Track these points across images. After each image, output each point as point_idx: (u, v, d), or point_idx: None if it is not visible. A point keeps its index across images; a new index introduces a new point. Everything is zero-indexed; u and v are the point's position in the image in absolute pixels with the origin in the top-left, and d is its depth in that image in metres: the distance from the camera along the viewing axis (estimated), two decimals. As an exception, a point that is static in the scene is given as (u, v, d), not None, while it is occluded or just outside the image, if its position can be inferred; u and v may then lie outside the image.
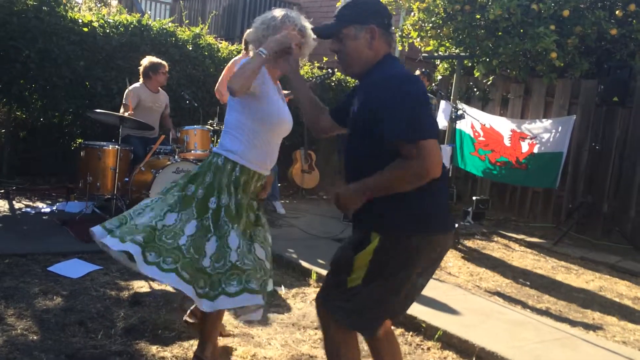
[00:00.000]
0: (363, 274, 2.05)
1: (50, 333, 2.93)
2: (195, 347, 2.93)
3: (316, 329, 3.40)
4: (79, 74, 6.26)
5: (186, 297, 2.73)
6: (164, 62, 5.75)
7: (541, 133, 7.29)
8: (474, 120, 7.64)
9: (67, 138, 6.80)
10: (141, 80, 5.69)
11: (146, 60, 5.70)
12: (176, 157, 5.08)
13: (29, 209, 5.33)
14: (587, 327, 3.97)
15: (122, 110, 5.47)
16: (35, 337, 2.86)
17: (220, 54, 7.52)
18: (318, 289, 4.05)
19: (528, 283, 4.98)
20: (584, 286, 5.12)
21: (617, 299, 4.81)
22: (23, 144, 6.52)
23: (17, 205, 5.47)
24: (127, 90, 5.62)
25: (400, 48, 9.70)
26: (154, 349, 2.87)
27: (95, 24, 6.46)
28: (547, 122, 7.34)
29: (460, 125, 7.62)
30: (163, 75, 5.71)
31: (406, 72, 2.12)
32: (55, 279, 3.68)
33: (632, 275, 5.63)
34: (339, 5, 9.62)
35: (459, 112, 6.64)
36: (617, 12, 7.26)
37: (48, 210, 5.38)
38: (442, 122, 6.59)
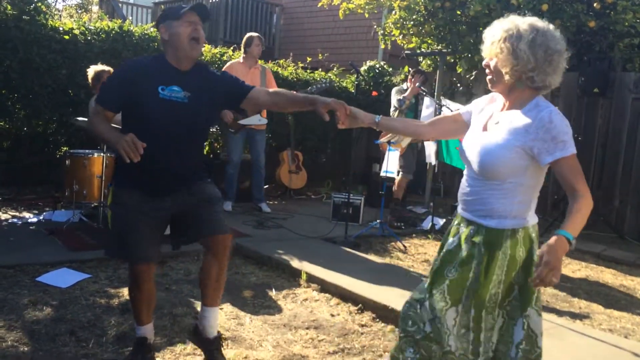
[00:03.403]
0: None
1: (41, 344, 2.93)
2: (186, 352, 2.95)
3: (307, 328, 3.43)
4: (61, 82, 6.23)
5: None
6: (106, 69, 5.43)
7: (524, 126, 7.35)
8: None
9: (51, 147, 6.76)
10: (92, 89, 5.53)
11: (91, 71, 5.41)
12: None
13: (15, 220, 5.30)
14: (574, 316, 4.04)
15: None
16: (26, 349, 2.86)
17: (203, 57, 7.51)
18: (308, 289, 4.10)
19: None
20: (571, 275, 5.20)
21: (603, 288, 4.89)
22: (7, 154, 6.47)
23: (3, 216, 5.44)
24: (90, 105, 5.48)
25: (382, 46, 9.77)
26: (145, 355, 2.88)
27: (77, 32, 6.43)
28: (530, 115, 7.42)
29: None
30: None
31: None
32: (44, 289, 3.67)
33: (617, 264, 5.73)
34: (320, 5, 9.62)
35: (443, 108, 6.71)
36: (595, 4, 7.35)
37: (35, 220, 5.35)
38: (426, 115, 6.64)
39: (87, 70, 5.55)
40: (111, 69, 5.58)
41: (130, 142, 2.30)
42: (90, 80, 5.51)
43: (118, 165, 2.71)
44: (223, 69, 6.16)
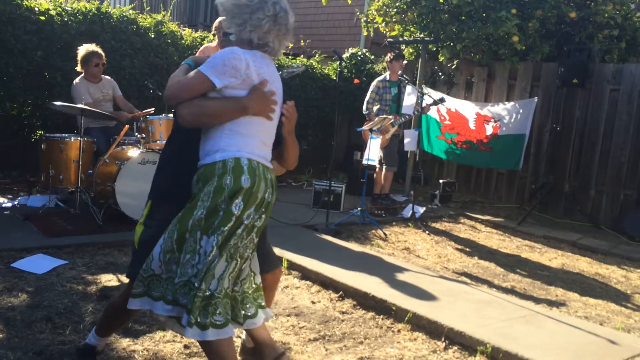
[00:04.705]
0: None
1: (16, 331, 2.87)
2: (166, 339, 2.92)
3: (288, 315, 3.42)
4: (36, 64, 6.08)
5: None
6: (97, 52, 5.40)
7: (504, 116, 7.43)
8: (440, 105, 7.74)
9: (26, 130, 6.60)
10: (79, 69, 5.44)
11: (82, 49, 5.39)
12: (141, 147, 4.99)
13: (-11, 205, 5.19)
14: (551, 303, 4.10)
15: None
16: (0, 335, 2.80)
17: (183, 41, 7.39)
18: (289, 276, 4.08)
19: (494, 263, 5.10)
20: (548, 264, 5.28)
21: (578, 276, 4.98)
22: (-20, 138, 6.31)
23: (-24, 200, 5.32)
24: (73, 89, 5.38)
25: (365, 33, 9.72)
26: (124, 342, 2.84)
27: (53, 12, 6.26)
28: (509, 105, 7.49)
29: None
30: (95, 68, 5.41)
31: None
32: (19, 275, 3.59)
33: (592, 252, 5.83)
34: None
35: (440, 97, 6.88)
36: (575, -5, 7.43)
37: (9, 205, 5.23)
38: (408, 104, 6.65)
39: (79, 47, 5.45)
40: (102, 53, 5.47)
41: (270, 95, 2.23)
42: (79, 58, 5.40)
43: (161, 175, 2.48)
44: (197, 52, 6.10)
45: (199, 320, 2.13)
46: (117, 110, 5.66)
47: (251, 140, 2.24)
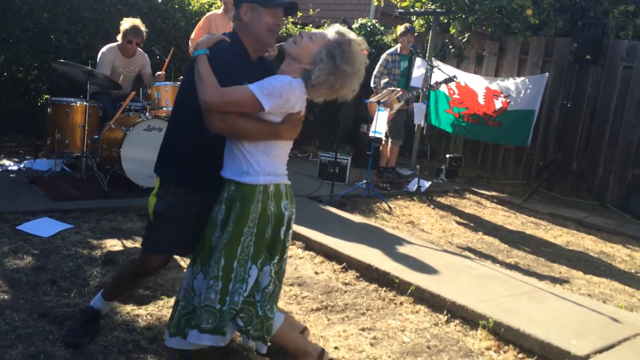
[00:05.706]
0: None
1: (21, 292, 2.89)
2: (170, 305, 2.94)
3: (291, 285, 3.44)
4: (43, 26, 6.01)
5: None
6: (136, 30, 5.27)
7: (514, 91, 7.32)
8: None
9: (33, 93, 6.57)
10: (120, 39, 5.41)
11: (126, 22, 5.33)
12: (147, 114, 4.96)
13: (-5, 167, 5.19)
14: (554, 280, 4.10)
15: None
16: (6, 297, 2.82)
17: (191, 7, 7.28)
18: (293, 247, 4.09)
19: (498, 239, 5.09)
20: (552, 241, 5.26)
21: (583, 254, 4.97)
22: (-14, 100, 6.29)
23: (-18, 163, 5.32)
24: (100, 54, 5.35)
25: (375, 3, 9.56)
26: (128, 307, 2.86)
27: (59, -26, 6.16)
28: (519, 80, 7.38)
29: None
30: (128, 44, 5.32)
31: None
32: (25, 238, 3.61)
33: (597, 231, 5.81)
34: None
35: (452, 75, 6.70)
36: (592, -32, 7.24)
37: (15, 168, 5.24)
38: (417, 76, 6.56)
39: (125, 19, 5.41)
40: (143, 33, 5.36)
41: (301, 121, 2.34)
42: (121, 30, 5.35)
43: (174, 158, 2.38)
44: (201, 20, 6.01)
45: (266, 337, 2.28)
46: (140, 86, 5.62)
47: (281, 162, 2.31)
